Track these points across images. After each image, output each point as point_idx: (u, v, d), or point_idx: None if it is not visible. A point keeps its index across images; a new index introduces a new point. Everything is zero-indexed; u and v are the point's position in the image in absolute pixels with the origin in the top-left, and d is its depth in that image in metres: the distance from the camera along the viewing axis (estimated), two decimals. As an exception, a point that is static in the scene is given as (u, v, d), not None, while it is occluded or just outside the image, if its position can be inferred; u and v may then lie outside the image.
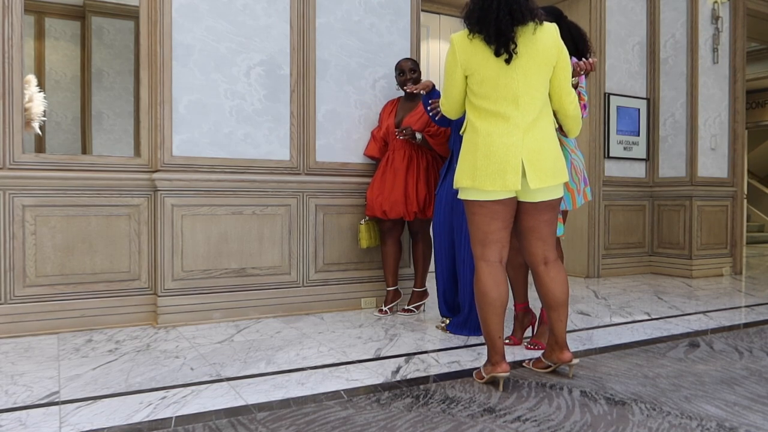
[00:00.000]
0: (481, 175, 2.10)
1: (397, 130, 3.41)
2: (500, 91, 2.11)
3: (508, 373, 2.13)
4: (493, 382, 2.18)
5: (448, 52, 2.20)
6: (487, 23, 2.06)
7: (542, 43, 2.11)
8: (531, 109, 2.12)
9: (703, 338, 2.97)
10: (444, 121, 3.09)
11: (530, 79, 2.11)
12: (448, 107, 2.32)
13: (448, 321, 3.12)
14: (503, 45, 2.07)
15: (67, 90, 3.77)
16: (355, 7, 3.72)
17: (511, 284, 2.84)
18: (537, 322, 2.86)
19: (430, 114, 3.04)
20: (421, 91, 3.03)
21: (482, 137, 2.12)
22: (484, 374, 2.20)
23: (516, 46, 2.08)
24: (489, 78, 2.11)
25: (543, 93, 2.16)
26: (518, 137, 2.10)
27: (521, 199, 2.21)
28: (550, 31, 2.15)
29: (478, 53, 2.12)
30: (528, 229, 2.26)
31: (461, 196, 2.24)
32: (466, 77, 2.18)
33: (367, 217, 3.58)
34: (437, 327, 3.17)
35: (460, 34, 2.18)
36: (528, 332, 2.93)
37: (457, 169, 2.22)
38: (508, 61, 2.08)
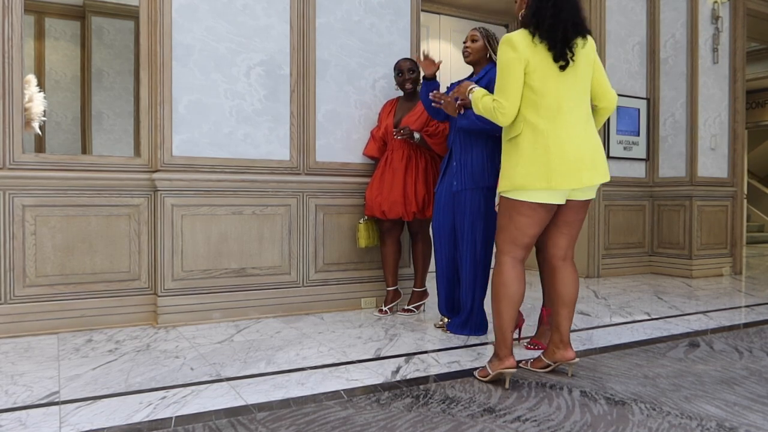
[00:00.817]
0: (557, 176, 2.13)
1: (395, 129, 3.41)
2: (561, 90, 2.18)
3: (515, 369, 2.17)
4: (497, 380, 2.19)
5: (506, 50, 2.17)
6: (555, 32, 2.15)
7: (586, 51, 2.25)
8: (587, 108, 2.25)
9: (703, 338, 2.97)
10: (442, 116, 3.09)
11: (583, 81, 2.24)
12: (510, 107, 2.17)
13: (447, 320, 3.12)
14: (562, 54, 2.17)
15: (67, 90, 3.76)
16: (355, 7, 3.72)
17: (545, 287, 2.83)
18: (537, 323, 2.85)
19: (431, 104, 3.02)
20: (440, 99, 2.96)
21: (552, 138, 2.15)
22: (490, 370, 2.20)
23: (573, 55, 2.19)
24: (551, 76, 2.17)
25: (588, 95, 2.30)
26: (583, 136, 2.19)
27: (571, 197, 2.25)
28: (590, 40, 2.29)
29: (538, 53, 2.17)
30: (565, 223, 2.32)
31: (514, 195, 2.20)
32: (525, 74, 2.20)
33: (366, 217, 3.58)
34: (436, 326, 3.17)
35: (519, 32, 2.19)
36: (516, 334, 2.92)
37: (517, 172, 2.16)
38: (563, 68, 2.17)
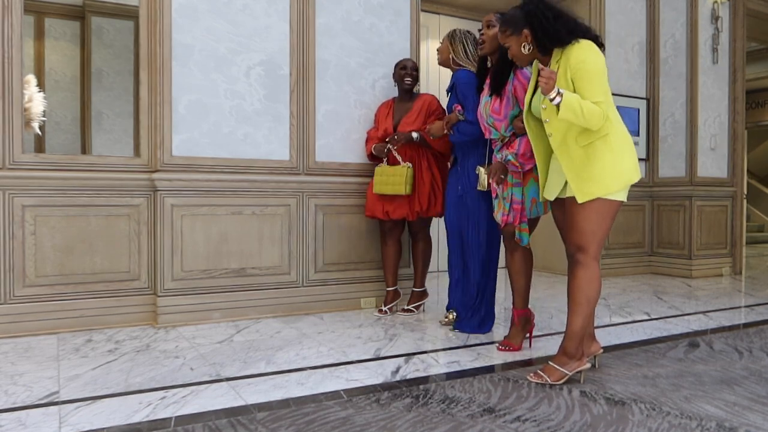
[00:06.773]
0: (637, 169, 2.25)
1: (392, 138, 3.36)
2: None
3: (589, 365, 2.26)
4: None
5: (597, 57, 2.15)
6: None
7: None
8: None
9: (703, 338, 2.97)
10: (472, 132, 2.98)
11: None
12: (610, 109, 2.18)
13: (453, 315, 3.09)
14: None
15: (67, 90, 3.76)
16: (354, 7, 3.72)
17: (513, 288, 2.80)
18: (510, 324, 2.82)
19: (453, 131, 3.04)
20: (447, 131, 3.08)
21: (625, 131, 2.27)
22: (566, 371, 2.19)
23: None
24: None
25: None
26: None
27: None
28: None
29: None
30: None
31: (613, 196, 2.18)
32: None
33: (409, 164, 3.32)
34: (441, 323, 3.16)
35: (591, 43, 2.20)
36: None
37: (621, 170, 2.17)
38: None
